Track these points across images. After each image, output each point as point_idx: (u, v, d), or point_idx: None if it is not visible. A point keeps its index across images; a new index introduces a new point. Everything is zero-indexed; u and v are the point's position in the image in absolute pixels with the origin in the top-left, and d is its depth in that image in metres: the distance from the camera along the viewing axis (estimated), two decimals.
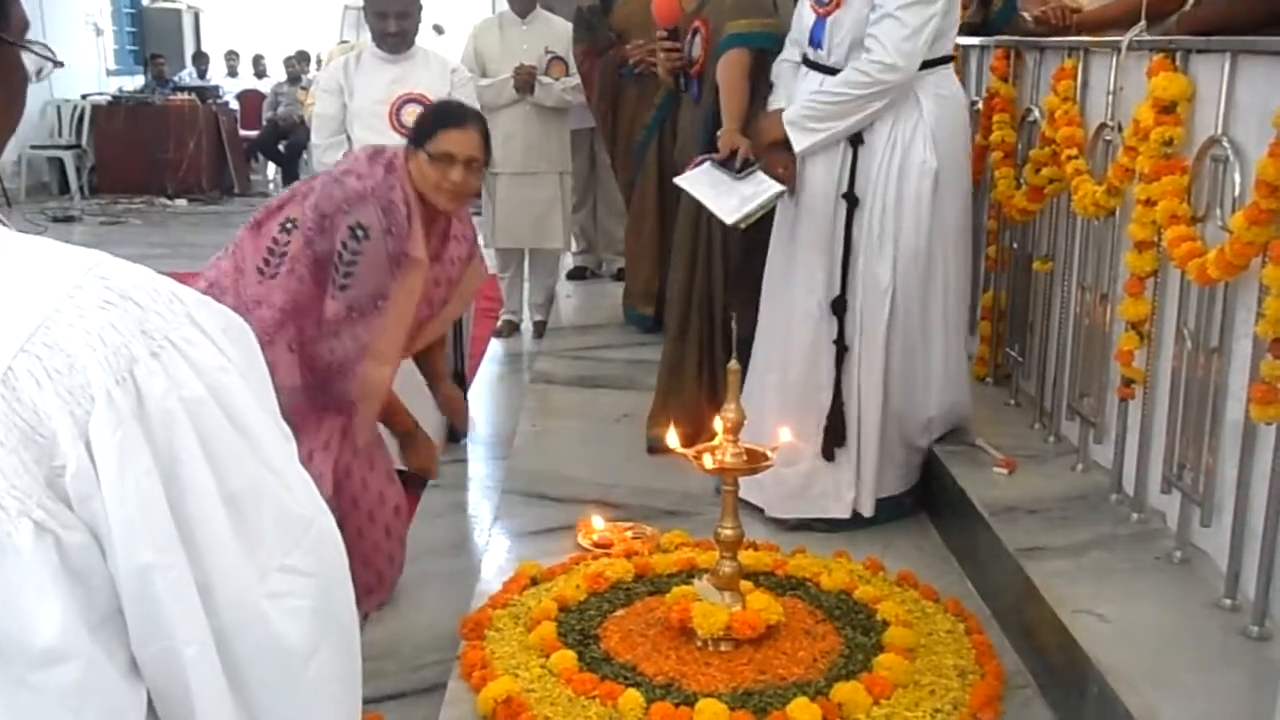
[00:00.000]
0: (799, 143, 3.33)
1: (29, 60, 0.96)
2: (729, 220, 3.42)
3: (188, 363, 0.85)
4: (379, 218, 2.80)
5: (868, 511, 3.45)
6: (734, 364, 2.63)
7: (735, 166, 3.45)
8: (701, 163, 3.55)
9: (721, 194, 3.44)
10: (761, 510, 3.49)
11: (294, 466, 0.92)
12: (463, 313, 3.22)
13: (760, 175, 3.42)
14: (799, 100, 3.38)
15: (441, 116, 2.96)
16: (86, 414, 0.80)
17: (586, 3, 5.48)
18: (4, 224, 0.93)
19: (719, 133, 3.63)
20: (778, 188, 3.38)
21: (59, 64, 1.00)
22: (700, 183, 3.50)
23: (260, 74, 14.29)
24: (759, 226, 3.48)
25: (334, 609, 0.92)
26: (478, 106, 4.38)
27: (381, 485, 3.05)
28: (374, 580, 3.06)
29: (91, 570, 0.82)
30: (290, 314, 2.80)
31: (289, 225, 2.85)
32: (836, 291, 3.37)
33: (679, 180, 3.58)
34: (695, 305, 4.01)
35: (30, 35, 0.98)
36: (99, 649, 0.83)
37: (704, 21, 3.78)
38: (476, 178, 2.97)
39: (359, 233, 2.79)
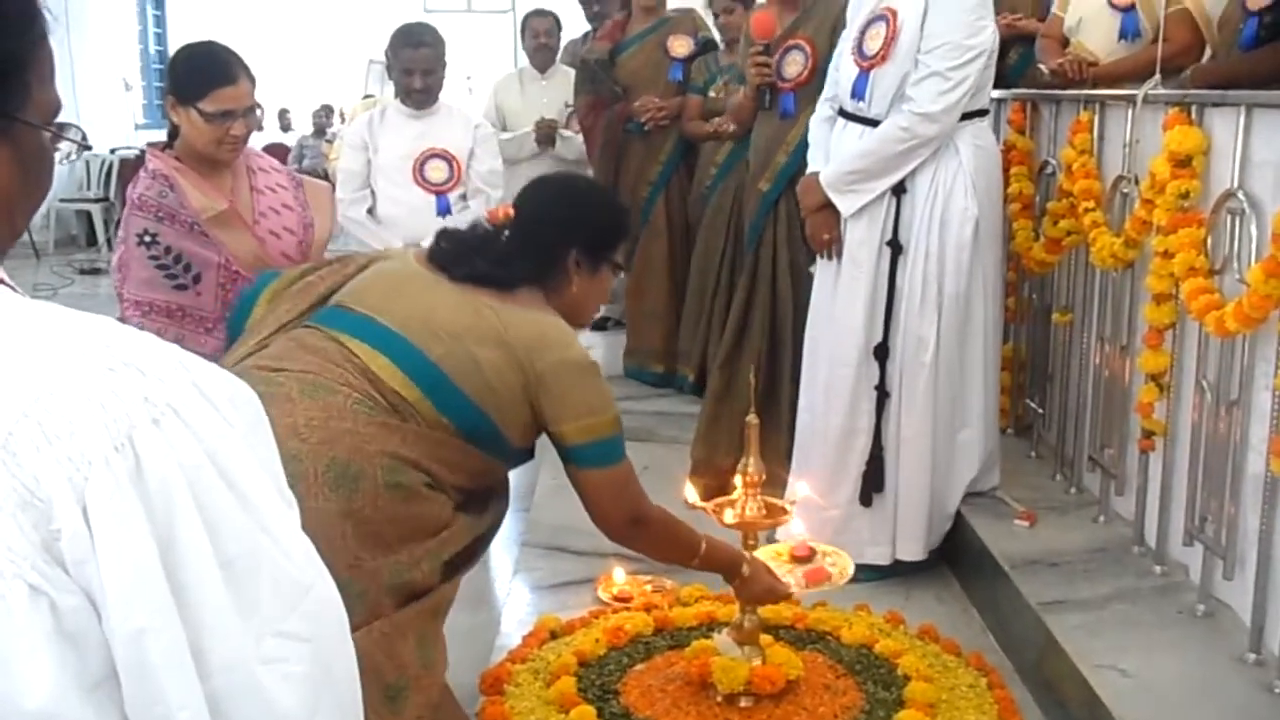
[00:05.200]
0: (846, 207, 3.37)
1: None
2: None
3: (188, 429, 0.85)
4: (149, 218, 2.81)
5: (914, 556, 3.46)
6: (752, 417, 2.64)
7: None
8: None
9: None
10: None
11: (294, 532, 0.92)
12: (332, 229, 3.17)
13: None
14: (837, 159, 3.41)
15: (209, 73, 2.82)
16: (84, 479, 0.81)
17: (593, 56, 5.52)
18: (14, 289, 0.95)
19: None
20: None
21: (87, 147, 1.03)
22: None
23: (285, 127, 14.45)
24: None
25: (332, 676, 0.92)
26: (501, 161, 4.45)
27: None
28: None
29: (86, 633, 0.83)
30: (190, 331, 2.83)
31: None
32: (879, 338, 3.39)
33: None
34: (742, 364, 4.02)
35: (61, 87, 1.00)
36: (91, 712, 0.83)
37: (808, 40, 3.84)
38: (254, 118, 2.92)
39: (147, 239, 2.81)
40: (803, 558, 2.73)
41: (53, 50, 0.97)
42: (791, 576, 2.65)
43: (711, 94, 5.14)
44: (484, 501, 2.29)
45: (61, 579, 0.82)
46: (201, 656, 0.84)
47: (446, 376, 2.11)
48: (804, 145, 3.75)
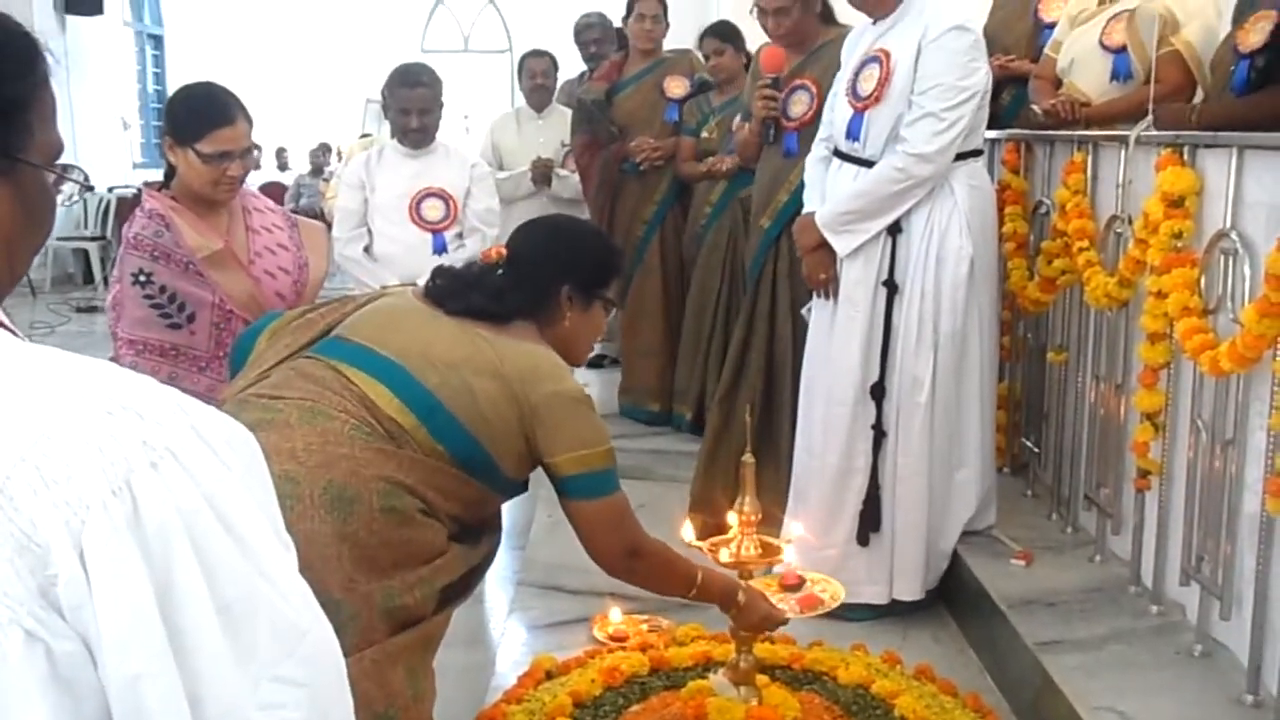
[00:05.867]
0: (842, 247, 3.39)
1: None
2: None
3: (186, 473, 0.85)
4: (144, 257, 2.82)
5: (911, 595, 3.45)
6: (748, 456, 2.64)
7: None
8: None
9: None
10: None
11: (291, 576, 0.91)
12: (327, 269, 3.21)
13: None
14: (832, 199, 3.43)
15: (206, 114, 2.83)
16: (81, 523, 0.81)
17: (590, 96, 5.56)
18: (14, 332, 0.95)
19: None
20: None
21: (90, 188, 1.03)
22: None
23: (283, 166, 14.51)
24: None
25: None
26: (497, 200, 4.47)
27: None
28: None
29: (81, 680, 0.82)
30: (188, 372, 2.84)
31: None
32: (875, 377, 3.39)
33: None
34: (740, 401, 4.02)
35: (60, 126, 1.00)
36: None
37: (814, 81, 3.86)
38: (251, 159, 2.95)
39: (142, 278, 2.81)
40: (793, 586, 2.73)
41: (55, 93, 0.98)
42: (785, 604, 2.65)
43: (704, 134, 5.17)
44: (477, 534, 2.29)
45: (58, 624, 0.82)
46: (198, 703, 0.84)
47: (442, 404, 2.13)
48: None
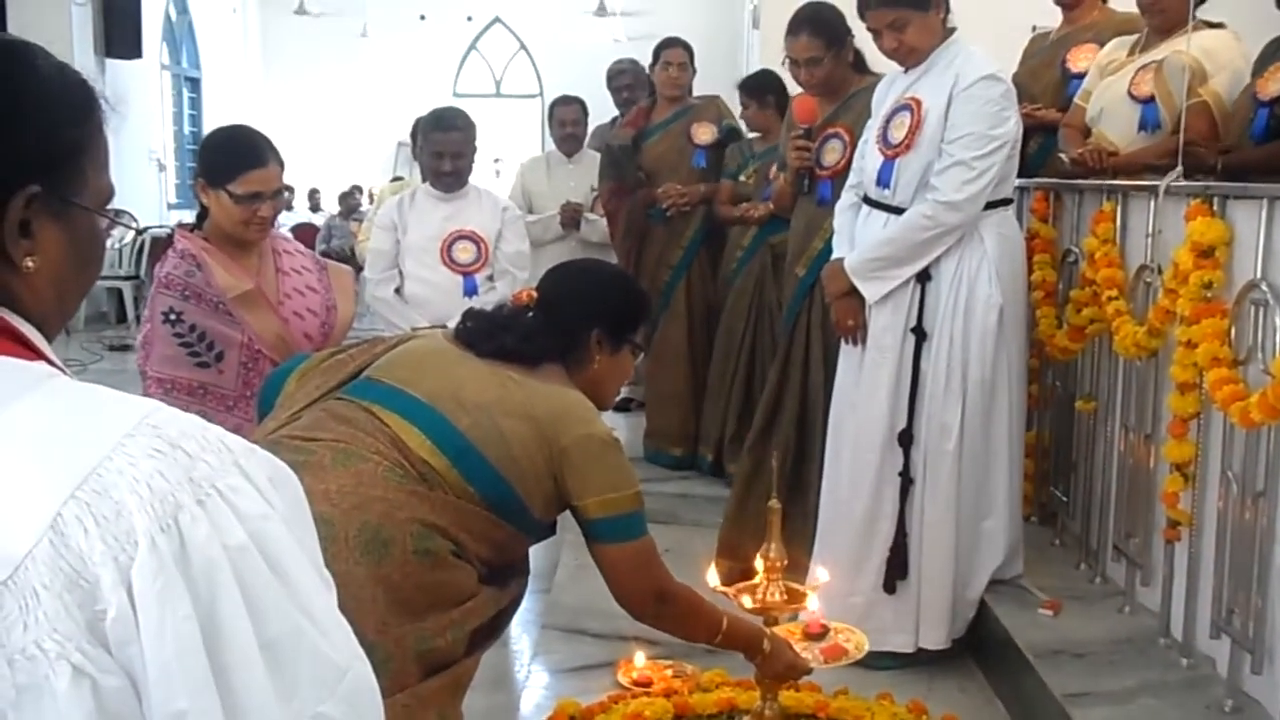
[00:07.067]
0: (871, 293, 3.40)
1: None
2: None
3: (232, 510, 0.87)
4: (175, 296, 2.85)
5: (937, 644, 3.43)
6: (774, 502, 2.63)
7: None
8: None
9: None
10: None
11: (332, 614, 0.92)
12: (355, 312, 3.25)
13: None
14: (862, 246, 3.44)
15: (239, 156, 2.90)
16: (130, 560, 0.82)
17: (617, 142, 5.60)
18: (63, 371, 0.97)
19: None
20: None
21: (141, 231, 1.05)
22: None
23: (314, 208, 14.64)
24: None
25: None
26: (528, 243, 4.50)
27: None
28: None
29: (126, 715, 0.83)
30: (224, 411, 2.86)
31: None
32: (903, 424, 3.39)
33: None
34: (769, 452, 4.02)
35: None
36: None
37: (847, 129, 3.89)
38: (282, 201, 3.00)
39: (172, 317, 2.85)
40: (816, 634, 2.71)
41: (108, 138, 1.00)
42: (809, 653, 2.64)
43: (742, 179, 5.21)
44: (506, 577, 2.30)
45: (105, 660, 0.83)
46: None
47: (473, 446, 2.14)
48: None
